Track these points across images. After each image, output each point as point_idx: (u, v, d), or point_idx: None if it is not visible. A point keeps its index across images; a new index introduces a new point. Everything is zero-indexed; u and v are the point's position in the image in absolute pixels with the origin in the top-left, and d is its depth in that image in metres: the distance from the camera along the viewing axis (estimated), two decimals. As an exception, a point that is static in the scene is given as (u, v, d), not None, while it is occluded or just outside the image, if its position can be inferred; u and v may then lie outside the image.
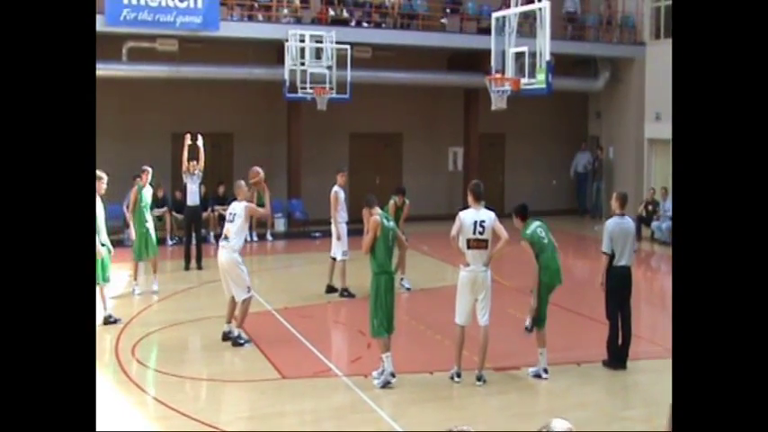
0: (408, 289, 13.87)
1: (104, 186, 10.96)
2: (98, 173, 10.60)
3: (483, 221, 8.80)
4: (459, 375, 9.09)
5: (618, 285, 9.60)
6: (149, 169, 13.52)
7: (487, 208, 9.05)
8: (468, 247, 8.82)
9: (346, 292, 13.23)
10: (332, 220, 13.51)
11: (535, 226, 9.34)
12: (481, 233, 8.79)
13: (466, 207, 9.01)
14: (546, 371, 9.33)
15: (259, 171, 11.01)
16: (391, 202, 13.58)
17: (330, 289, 13.48)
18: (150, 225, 13.40)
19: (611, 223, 9.68)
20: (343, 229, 13.46)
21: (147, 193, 13.42)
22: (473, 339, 11.12)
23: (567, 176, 24.96)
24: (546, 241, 9.30)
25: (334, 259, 13.42)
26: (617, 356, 9.74)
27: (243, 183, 10.89)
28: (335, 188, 13.46)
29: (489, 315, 9.03)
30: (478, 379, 9.04)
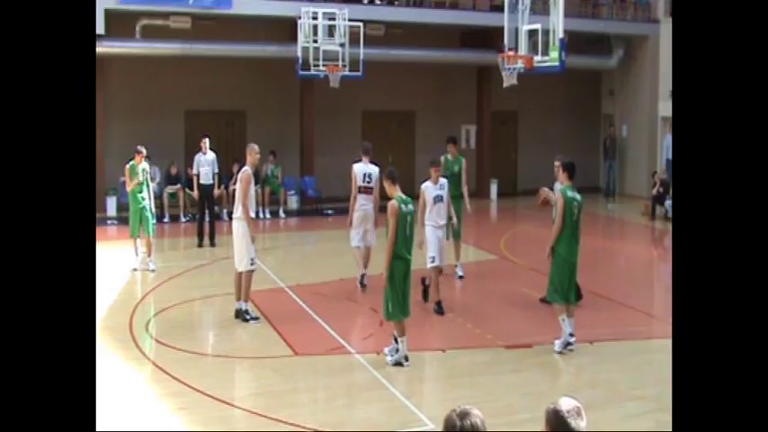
0: (461, 277, 12.98)
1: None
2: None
3: (370, 174, 12.01)
4: (363, 279, 12.08)
5: None
6: (143, 150, 13.69)
7: (373, 163, 12.05)
8: (360, 192, 11.97)
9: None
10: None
11: (572, 197, 9.28)
12: (368, 182, 11.98)
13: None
14: (572, 334, 9.37)
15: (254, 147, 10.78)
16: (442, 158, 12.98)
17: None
18: (147, 203, 13.60)
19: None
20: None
21: (141, 172, 13.58)
22: (482, 316, 11.18)
23: (583, 154, 24.66)
24: (575, 218, 9.28)
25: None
26: None
27: (255, 146, 10.82)
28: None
29: (374, 238, 12.08)
30: (361, 279, 11.98)
